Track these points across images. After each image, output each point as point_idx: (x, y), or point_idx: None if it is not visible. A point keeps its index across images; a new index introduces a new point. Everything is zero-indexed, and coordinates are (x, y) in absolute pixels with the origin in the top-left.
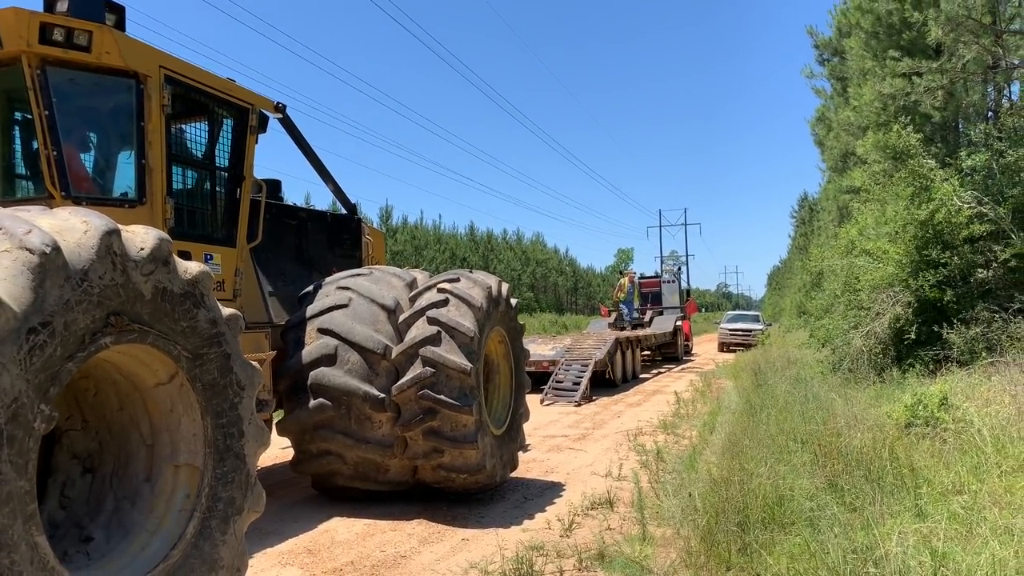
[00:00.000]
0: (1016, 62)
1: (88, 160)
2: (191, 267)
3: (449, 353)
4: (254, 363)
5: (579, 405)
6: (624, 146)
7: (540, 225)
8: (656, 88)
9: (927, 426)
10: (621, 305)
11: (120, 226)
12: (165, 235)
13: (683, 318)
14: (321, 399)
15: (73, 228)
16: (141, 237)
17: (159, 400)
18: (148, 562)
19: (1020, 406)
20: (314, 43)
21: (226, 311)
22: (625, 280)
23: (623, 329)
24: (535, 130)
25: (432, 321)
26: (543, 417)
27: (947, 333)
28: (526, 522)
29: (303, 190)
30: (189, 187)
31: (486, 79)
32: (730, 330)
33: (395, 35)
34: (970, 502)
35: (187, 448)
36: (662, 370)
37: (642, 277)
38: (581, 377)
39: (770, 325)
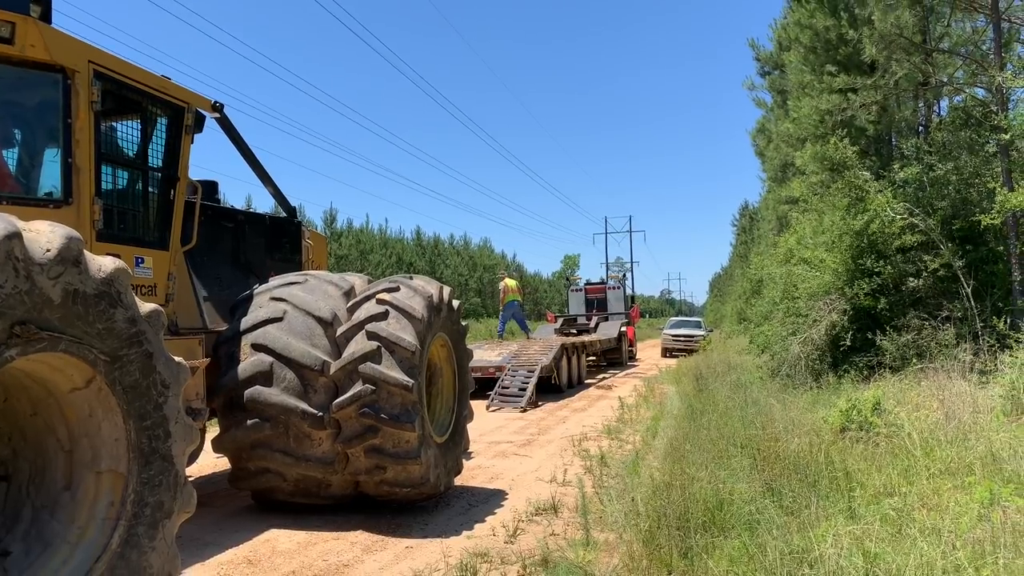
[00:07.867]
0: (944, 79)
1: (10, 157)
2: (105, 264)
3: (390, 370)
4: (178, 359)
5: (525, 411)
6: (571, 153)
7: (488, 231)
8: (602, 95)
9: (861, 430)
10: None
11: (23, 226)
12: (74, 232)
13: (628, 324)
14: (257, 418)
15: None
16: (47, 237)
17: (76, 405)
18: None
19: (947, 411)
20: (257, 42)
21: (146, 307)
22: (501, 284)
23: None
24: (484, 136)
25: (372, 336)
26: (489, 423)
27: (880, 340)
28: (470, 529)
29: (244, 192)
30: (120, 188)
31: (434, 83)
32: (673, 336)
33: (340, 36)
34: (900, 504)
35: (109, 453)
36: (607, 375)
37: (588, 283)
38: (527, 383)
39: (711, 331)
